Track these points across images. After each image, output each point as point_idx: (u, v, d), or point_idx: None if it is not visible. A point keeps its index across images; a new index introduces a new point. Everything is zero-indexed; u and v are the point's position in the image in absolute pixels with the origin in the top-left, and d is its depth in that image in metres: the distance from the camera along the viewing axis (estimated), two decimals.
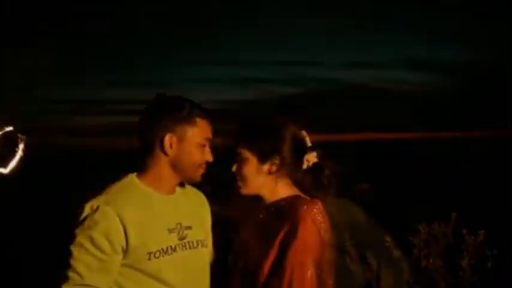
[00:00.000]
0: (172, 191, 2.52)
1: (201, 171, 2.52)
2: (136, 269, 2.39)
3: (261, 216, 2.68)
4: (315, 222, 2.61)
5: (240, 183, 2.67)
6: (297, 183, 2.70)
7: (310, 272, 2.58)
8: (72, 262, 2.31)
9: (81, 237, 2.32)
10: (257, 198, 2.70)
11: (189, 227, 2.52)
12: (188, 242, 2.50)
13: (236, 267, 2.62)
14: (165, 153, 2.44)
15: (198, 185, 2.69)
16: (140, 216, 2.39)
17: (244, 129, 2.67)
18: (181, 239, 2.48)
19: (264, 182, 2.66)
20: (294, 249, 2.61)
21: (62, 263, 2.33)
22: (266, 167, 2.63)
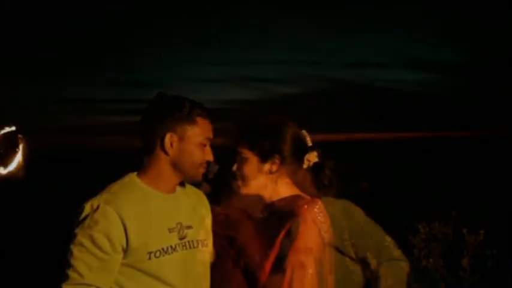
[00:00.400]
0: (173, 191, 2.52)
1: (202, 170, 2.52)
2: (137, 269, 2.38)
3: (261, 215, 2.68)
4: (316, 222, 2.61)
5: (240, 183, 2.67)
6: (297, 183, 2.70)
7: (310, 272, 2.58)
8: (73, 261, 2.31)
9: (81, 237, 2.32)
10: (257, 198, 2.70)
11: (190, 227, 2.52)
12: (188, 242, 2.50)
13: (237, 267, 2.62)
14: (166, 153, 2.44)
15: (197, 185, 2.69)
16: (140, 216, 2.39)
17: (245, 129, 2.67)
18: (181, 238, 2.48)
19: (265, 181, 2.66)
20: (294, 249, 2.61)
21: (62, 263, 2.33)
22: (267, 166, 2.63)
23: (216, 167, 2.66)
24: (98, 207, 2.34)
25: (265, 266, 2.53)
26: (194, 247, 2.52)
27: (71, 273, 2.30)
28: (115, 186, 2.44)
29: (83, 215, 2.35)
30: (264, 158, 2.62)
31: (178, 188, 2.54)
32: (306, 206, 2.63)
